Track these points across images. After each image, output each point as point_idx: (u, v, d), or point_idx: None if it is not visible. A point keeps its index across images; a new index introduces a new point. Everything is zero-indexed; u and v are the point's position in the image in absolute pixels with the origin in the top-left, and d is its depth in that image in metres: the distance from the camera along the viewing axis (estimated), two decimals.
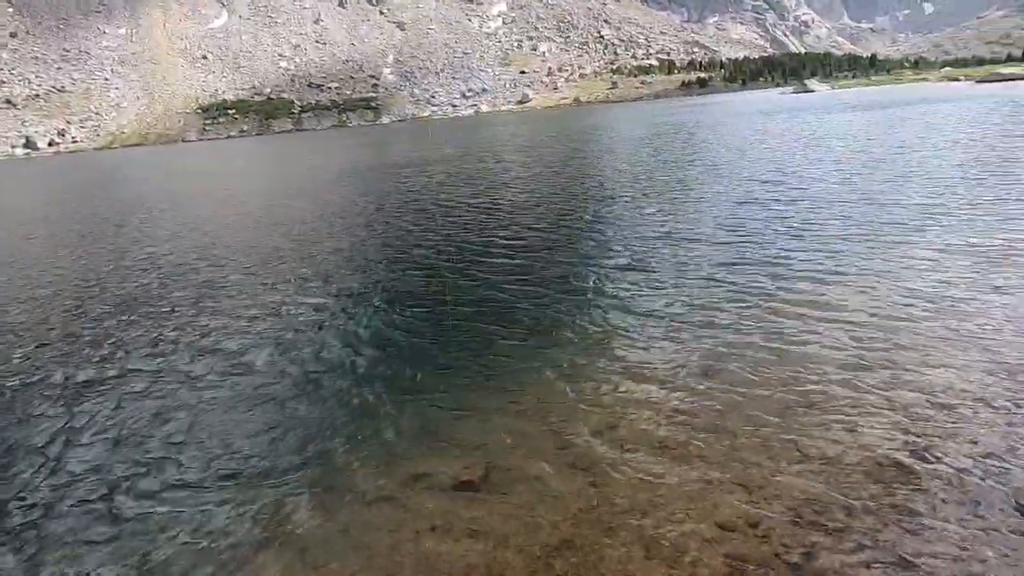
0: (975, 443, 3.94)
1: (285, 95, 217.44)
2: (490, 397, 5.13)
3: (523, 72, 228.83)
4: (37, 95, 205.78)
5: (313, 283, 9.19)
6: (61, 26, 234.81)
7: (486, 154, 32.09)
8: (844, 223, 9.73)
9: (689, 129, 35.53)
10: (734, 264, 8.09)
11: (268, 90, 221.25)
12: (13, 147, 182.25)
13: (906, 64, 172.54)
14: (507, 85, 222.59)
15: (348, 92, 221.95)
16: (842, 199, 11.64)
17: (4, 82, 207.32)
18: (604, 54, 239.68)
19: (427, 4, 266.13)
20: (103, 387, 6.03)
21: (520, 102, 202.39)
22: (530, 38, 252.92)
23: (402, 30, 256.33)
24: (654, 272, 8.09)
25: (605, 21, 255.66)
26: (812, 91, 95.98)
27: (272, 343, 6.80)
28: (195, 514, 3.96)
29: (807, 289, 6.88)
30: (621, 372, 5.33)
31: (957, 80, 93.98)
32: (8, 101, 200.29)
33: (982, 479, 3.60)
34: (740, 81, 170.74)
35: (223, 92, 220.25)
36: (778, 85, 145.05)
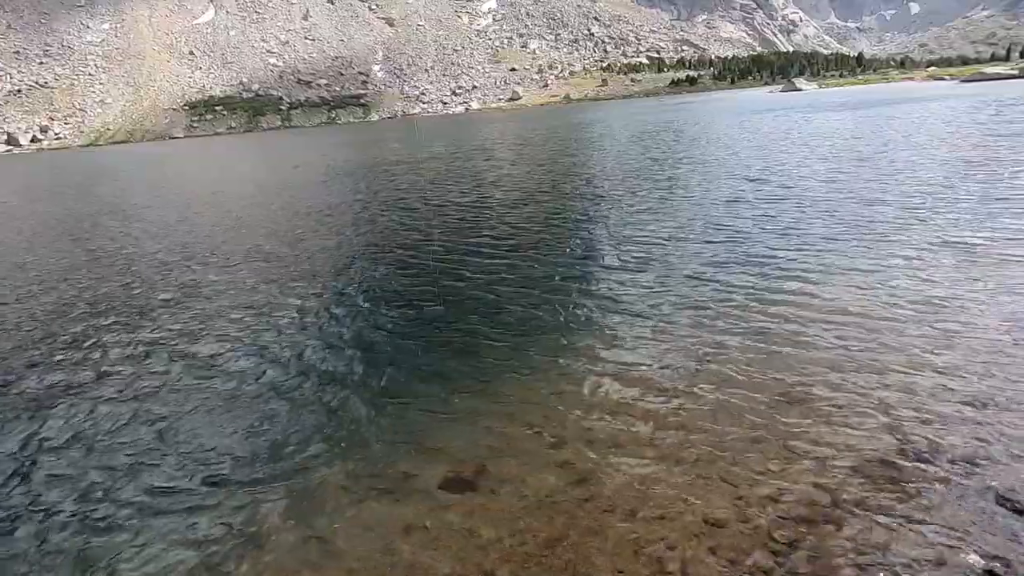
0: (961, 441, 3.95)
1: (273, 92, 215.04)
2: (477, 398, 5.08)
3: (513, 69, 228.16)
4: (19, 91, 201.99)
5: (297, 283, 9.08)
6: (43, 20, 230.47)
7: (475, 152, 31.98)
8: (830, 221, 9.78)
9: (678, 127, 35.62)
10: (721, 263, 8.10)
11: (256, 87, 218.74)
12: None
13: (892, 63, 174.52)
14: (497, 82, 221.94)
15: (337, 89, 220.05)
16: (828, 197, 11.70)
17: None
18: (594, 52, 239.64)
19: (417, 1, 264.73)
20: (77, 391, 5.89)
21: (510, 99, 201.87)
22: (520, 35, 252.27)
23: (392, 27, 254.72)
24: (641, 271, 8.08)
25: (595, 19, 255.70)
26: (800, 90, 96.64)
27: (253, 345, 6.69)
28: (170, 521, 3.87)
29: (794, 288, 6.90)
30: (608, 372, 5.31)
31: (942, 79, 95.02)
32: None
33: (967, 476, 3.61)
34: (729, 79, 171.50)
35: (210, 88, 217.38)
36: (766, 84, 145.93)
